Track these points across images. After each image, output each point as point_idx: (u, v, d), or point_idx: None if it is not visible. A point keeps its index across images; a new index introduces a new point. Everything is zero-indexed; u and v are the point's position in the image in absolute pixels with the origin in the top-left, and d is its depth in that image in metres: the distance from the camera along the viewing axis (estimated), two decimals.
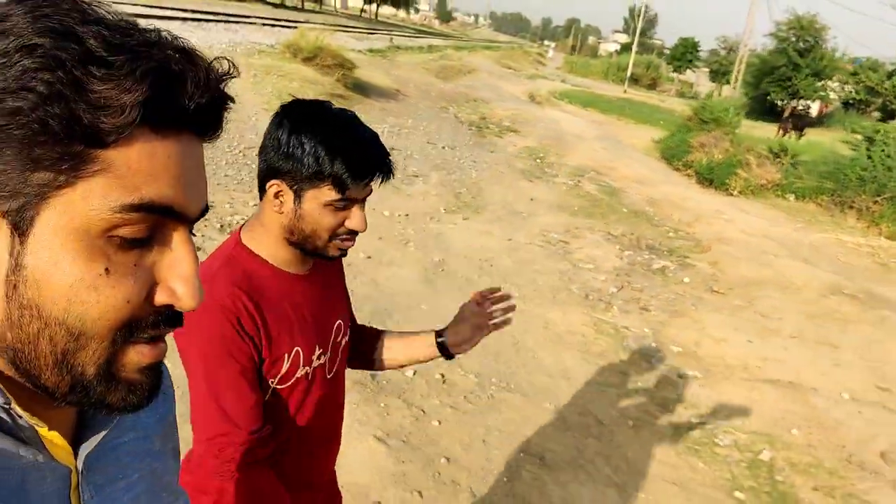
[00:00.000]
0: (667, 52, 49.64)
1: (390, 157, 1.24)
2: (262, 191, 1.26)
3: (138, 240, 0.51)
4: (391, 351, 1.57)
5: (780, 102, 34.08)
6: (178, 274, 0.53)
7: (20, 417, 0.53)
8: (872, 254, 9.46)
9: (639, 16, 41.25)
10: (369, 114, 12.92)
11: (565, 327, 5.34)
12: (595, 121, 19.65)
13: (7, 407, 0.52)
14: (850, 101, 36.00)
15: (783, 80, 32.29)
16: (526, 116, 17.78)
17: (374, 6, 52.26)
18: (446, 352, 1.53)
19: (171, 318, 0.55)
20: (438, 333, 1.53)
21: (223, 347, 1.18)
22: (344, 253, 1.29)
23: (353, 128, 1.22)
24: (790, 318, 6.37)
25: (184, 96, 0.50)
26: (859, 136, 12.88)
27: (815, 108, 39.26)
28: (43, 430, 0.55)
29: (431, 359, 1.55)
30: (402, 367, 1.63)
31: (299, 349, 1.29)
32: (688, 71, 42.90)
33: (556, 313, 5.55)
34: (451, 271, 6.04)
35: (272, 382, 1.27)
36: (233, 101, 0.55)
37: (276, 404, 1.29)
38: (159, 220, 0.51)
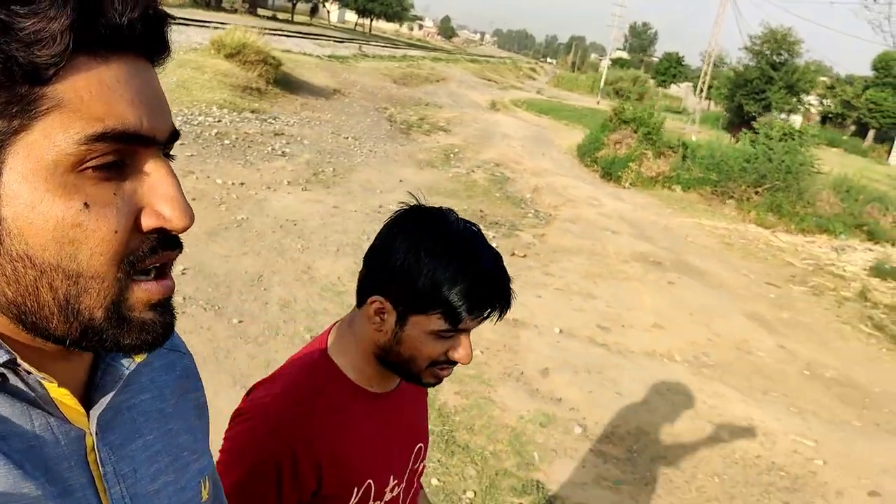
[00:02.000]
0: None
1: (511, 287, 1.11)
2: (360, 300, 1.13)
3: (111, 169, 0.50)
4: None
5: (757, 115, 34.36)
6: (160, 196, 0.53)
7: (28, 374, 0.53)
8: (725, 236, 9.90)
9: (634, 33, 41.96)
10: (285, 107, 13.58)
11: (325, 272, 5.86)
12: (539, 125, 20.19)
13: (13, 366, 0.52)
14: (828, 115, 36.27)
15: (756, 92, 32.63)
16: (467, 119, 18.37)
17: (367, 20, 53.38)
18: None
19: (167, 241, 0.55)
20: None
21: (251, 488, 1.03)
22: (439, 383, 1.17)
23: (475, 250, 1.08)
24: (570, 276, 6.88)
25: (113, 13, 0.49)
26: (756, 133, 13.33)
27: (797, 122, 39.52)
28: (52, 388, 0.54)
29: None
30: None
31: (371, 482, 1.15)
32: (672, 86, 43.41)
33: (326, 262, 6.08)
34: (247, 227, 6.60)
35: None
36: (172, 17, 0.55)
37: None
38: (126, 147, 0.51)
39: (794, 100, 33.23)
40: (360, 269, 1.15)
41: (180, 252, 0.56)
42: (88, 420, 0.58)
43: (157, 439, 0.67)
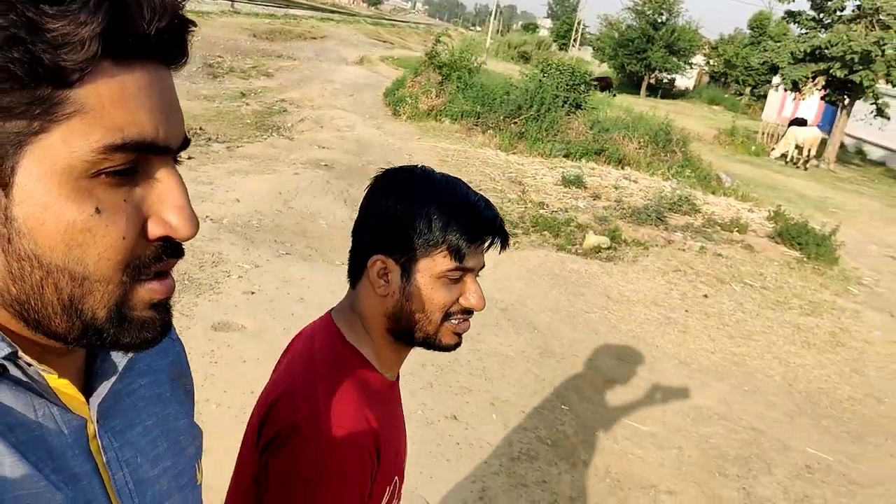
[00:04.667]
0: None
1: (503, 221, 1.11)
2: (358, 274, 1.11)
3: (124, 176, 0.51)
4: None
5: (646, 75, 35.51)
6: (169, 205, 0.54)
7: (29, 366, 0.53)
8: (447, 154, 10.80)
9: (558, 1, 42.78)
10: None
11: None
12: (385, 76, 20.83)
13: (14, 359, 0.52)
14: (712, 75, 37.58)
15: (638, 52, 33.74)
16: (303, 67, 19.01)
17: None
18: None
19: (171, 249, 0.55)
20: None
21: (346, 483, 0.97)
22: (459, 342, 1.11)
23: (461, 188, 1.09)
24: (253, 170, 7.70)
25: (142, 22, 0.49)
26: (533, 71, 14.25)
27: (692, 81, 40.86)
28: (52, 379, 0.55)
29: None
30: None
31: (398, 479, 1.13)
32: (572, 49, 44.51)
33: None
34: None
35: None
36: (194, 24, 0.55)
37: None
38: (141, 156, 0.51)
39: (675, 59, 34.45)
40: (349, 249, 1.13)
41: (182, 258, 0.57)
42: (89, 408, 0.59)
43: (155, 424, 0.68)
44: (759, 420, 4.39)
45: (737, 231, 9.23)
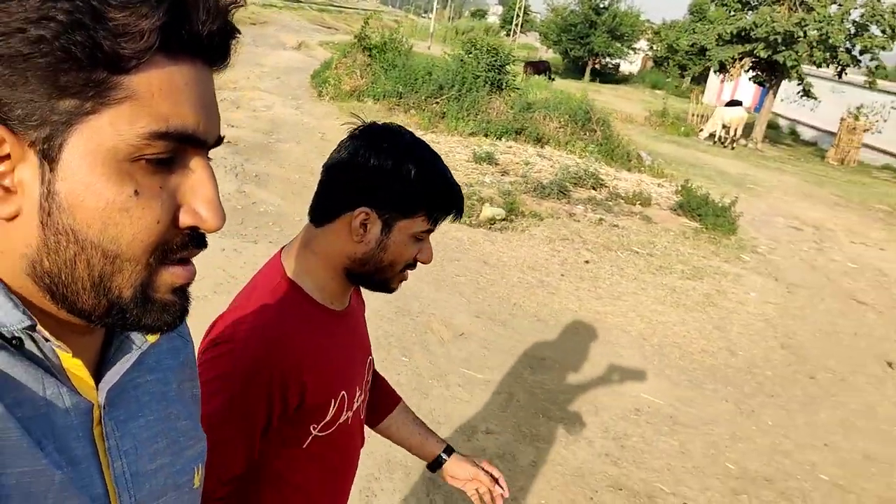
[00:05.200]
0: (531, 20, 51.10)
1: None
2: (328, 217, 1.20)
3: (163, 164, 0.54)
4: (401, 428, 1.59)
5: (589, 60, 35.86)
6: (201, 197, 0.56)
7: (46, 341, 0.54)
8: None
9: None
10: None
11: None
12: (319, 59, 20.78)
13: (32, 332, 0.54)
14: (658, 60, 38.09)
15: (581, 37, 34.05)
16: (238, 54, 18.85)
17: None
18: (436, 465, 1.56)
19: (197, 239, 0.58)
20: (446, 450, 1.56)
21: (244, 406, 1.11)
22: (399, 285, 1.28)
23: (441, 165, 1.22)
24: None
25: (197, 22, 0.53)
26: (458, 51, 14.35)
27: (637, 67, 41.38)
28: (66, 358, 0.56)
29: (418, 455, 1.59)
30: (390, 439, 1.62)
31: (344, 393, 1.25)
32: (518, 35, 44.79)
33: None
34: None
35: (314, 430, 1.22)
36: (240, 32, 0.58)
37: (314, 454, 1.23)
38: (180, 146, 0.54)
39: (618, 44, 34.86)
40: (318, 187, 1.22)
41: (205, 249, 0.60)
42: (98, 393, 0.60)
43: (157, 421, 0.68)
44: (598, 368, 4.58)
45: (639, 204, 9.48)
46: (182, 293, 0.59)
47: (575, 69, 36.77)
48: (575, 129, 13.08)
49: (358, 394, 1.30)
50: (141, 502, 0.64)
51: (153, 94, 0.52)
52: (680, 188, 10.38)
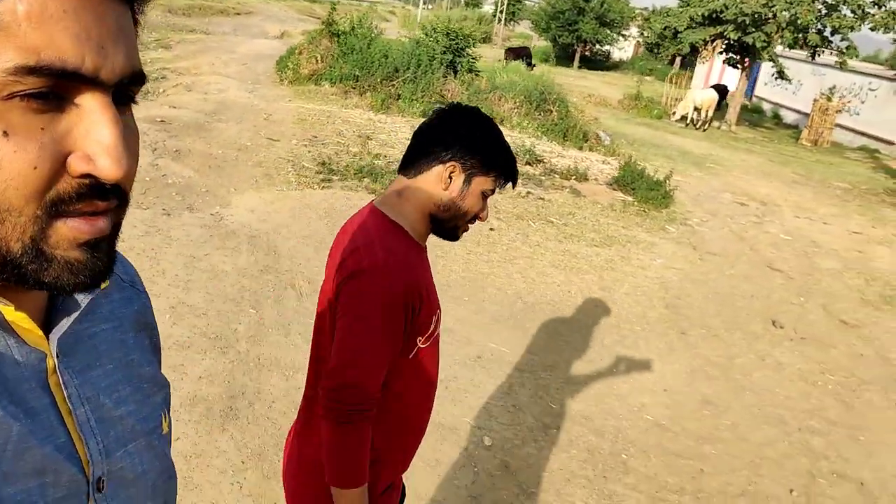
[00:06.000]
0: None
1: None
2: (419, 170, 1.50)
3: (44, 101, 0.48)
4: None
5: (578, 47, 35.82)
6: (94, 140, 0.50)
7: None
8: (306, 114, 11.00)
9: None
10: None
11: None
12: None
13: None
14: (649, 46, 37.99)
15: (569, 24, 34.01)
16: (209, 41, 19.05)
17: None
18: None
19: (100, 190, 0.51)
20: None
21: (394, 319, 1.39)
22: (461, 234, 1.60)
23: (506, 143, 1.56)
24: None
25: None
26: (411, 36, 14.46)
27: (629, 53, 41.29)
28: (9, 311, 0.54)
29: None
30: None
31: (440, 311, 1.57)
32: (511, 23, 44.80)
33: None
34: None
35: (419, 342, 1.49)
36: None
37: (416, 365, 1.51)
38: (64, 83, 0.48)
39: (608, 31, 34.80)
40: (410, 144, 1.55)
41: (121, 205, 0.54)
42: (49, 343, 0.58)
43: (117, 368, 0.66)
44: (457, 321, 4.73)
45: (574, 179, 9.60)
46: (93, 249, 0.53)
47: (565, 57, 36.72)
48: (529, 110, 13.19)
49: (440, 313, 1.57)
50: (109, 448, 0.63)
51: (20, 24, 0.46)
52: (623, 165, 10.49)
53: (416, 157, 1.52)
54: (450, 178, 1.48)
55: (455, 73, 13.63)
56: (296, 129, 9.85)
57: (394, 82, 13.09)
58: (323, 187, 7.20)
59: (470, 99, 12.94)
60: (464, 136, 1.49)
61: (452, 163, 1.48)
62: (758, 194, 11.77)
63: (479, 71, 14.48)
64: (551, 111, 13.49)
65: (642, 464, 3.63)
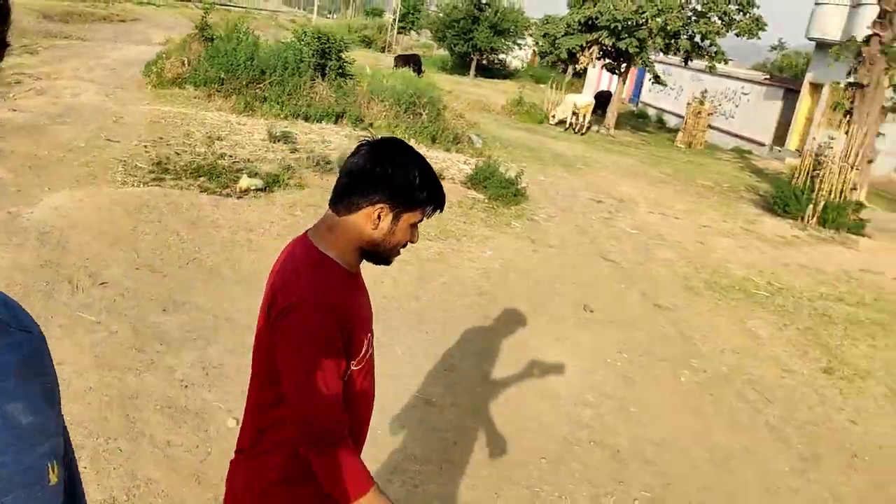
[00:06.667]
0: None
1: None
2: (352, 209, 1.55)
3: None
4: None
5: (474, 56, 36.35)
6: None
7: None
8: (162, 116, 10.76)
9: None
10: None
11: None
12: None
13: None
14: (543, 54, 38.95)
15: (464, 33, 34.50)
16: (80, 47, 18.44)
17: None
18: None
19: None
20: None
21: (331, 344, 1.48)
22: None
23: (434, 172, 1.61)
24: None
25: None
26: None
27: (527, 61, 42.19)
28: None
29: None
30: None
31: (370, 333, 1.66)
32: (412, 32, 45.21)
33: None
34: None
35: (353, 365, 1.58)
36: None
37: (347, 386, 1.57)
38: None
39: (502, 40, 35.48)
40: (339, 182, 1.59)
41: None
42: None
43: None
44: (241, 313, 4.71)
45: None
46: None
47: (462, 65, 37.23)
48: (399, 113, 13.30)
49: (371, 336, 1.67)
50: None
51: None
52: (482, 164, 10.69)
53: (345, 195, 1.58)
54: (378, 217, 1.55)
55: (324, 76, 13.60)
56: (143, 131, 9.61)
57: (261, 85, 12.96)
58: (148, 185, 7.04)
59: (337, 101, 12.96)
60: (390, 178, 1.54)
61: (381, 205, 1.54)
62: (618, 193, 12.20)
63: (350, 74, 14.51)
64: (421, 114, 13.65)
65: (390, 439, 3.70)
